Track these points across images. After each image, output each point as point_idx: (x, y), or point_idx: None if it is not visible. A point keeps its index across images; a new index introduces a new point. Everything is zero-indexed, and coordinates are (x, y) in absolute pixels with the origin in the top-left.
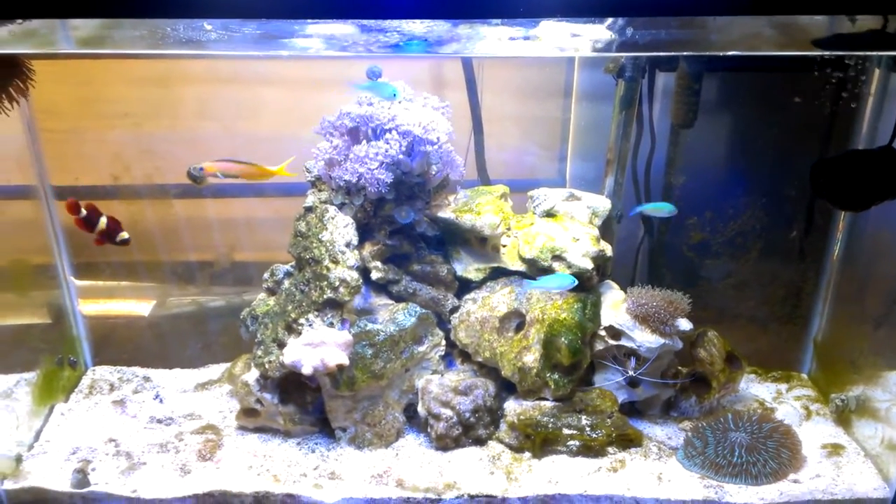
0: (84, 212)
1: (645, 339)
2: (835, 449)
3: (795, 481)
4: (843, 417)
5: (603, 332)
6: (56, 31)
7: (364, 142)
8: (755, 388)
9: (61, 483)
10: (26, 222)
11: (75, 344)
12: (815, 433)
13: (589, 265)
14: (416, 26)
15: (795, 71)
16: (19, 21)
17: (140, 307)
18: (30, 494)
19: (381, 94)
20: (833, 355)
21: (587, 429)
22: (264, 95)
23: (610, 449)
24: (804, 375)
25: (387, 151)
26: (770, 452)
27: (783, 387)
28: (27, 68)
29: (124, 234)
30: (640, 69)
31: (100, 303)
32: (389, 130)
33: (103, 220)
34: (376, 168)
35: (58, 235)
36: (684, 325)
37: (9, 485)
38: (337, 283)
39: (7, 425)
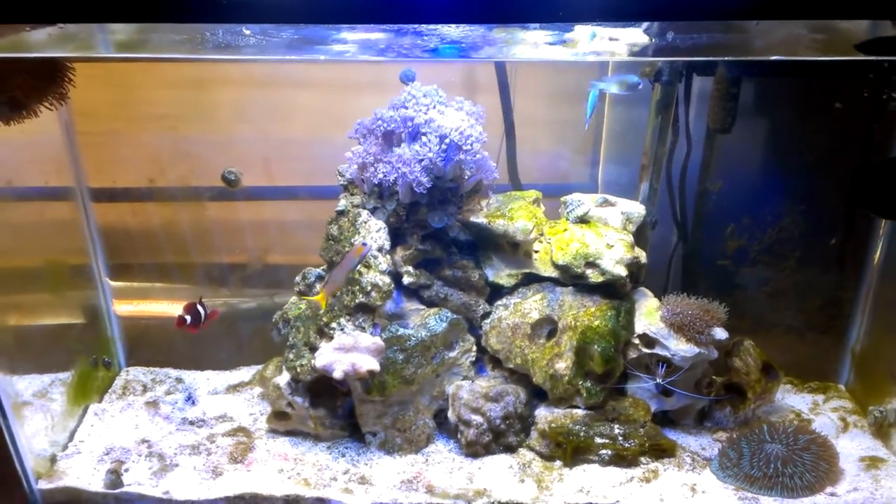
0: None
1: (679, 347)
2: (873, 462)
3: (833, 494)
4: (881, 430)
5: (636, 340)
6: (94, 35)
7: (403, 144)
8: (791, 399)
9: (95, 483)
10: (63, 223)
11: (109, 345)
12: (852, 446)
13: (623, 272)
14: (452, 30)
15: (837, 76)
16: (60, 25)
17: (173, 309)
18: (63, 494)
19: (629, 85)
20: (872, 366)
21: (619, 438)
22: (298, 99)
23: (643, 459)
24: (842, 387)
25: (426, 154)
26: (806, 465)
27: (820, 398)
28: (66, 71)
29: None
30: (678, 73)
31: (134, 304)
32: (426, 134)
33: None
34: (418, 170)
35: (94, 237)
36: (720, 334)
37: (43, 484)
38: (369, 288)
39: (42, 425)
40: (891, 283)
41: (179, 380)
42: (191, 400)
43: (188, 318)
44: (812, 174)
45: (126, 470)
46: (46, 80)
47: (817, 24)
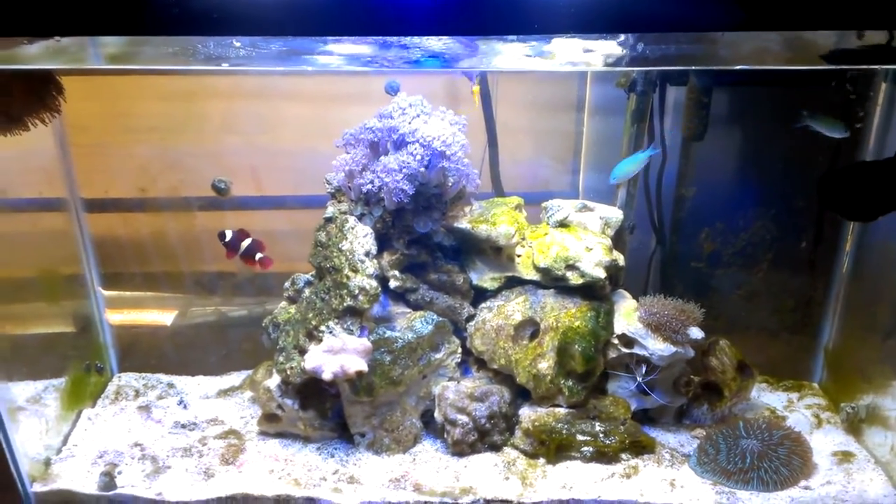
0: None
1: (657, 347)
2: (845, 456)
3: (806, 488)
4: (853, 426)
5: (616, 341)
6: (86, 49)
7: (389, 153)
8: (766, 397)
9: (88, 486)
10: (57, 234)
11: (102, 351)
12: (825, 441)
13: (602, 274)
14: (434, 42)
15: (804, 85)
16: (57, 38)
17: (164, 317)
18: (58, 497)
19: (836, 130)
20: (843, 365)
21: (601, 435)
22: (287, 110)
23: (623, 455)
24: (815, 385)
25: (409, 163)
26: (781, 459)
27: (794, 396)
28: (59, 85)
29: (259, 255)
30: (651, 83)
31: (126, 312)
32: (410, 143)
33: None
34: (400, 178)
35: (87, 247)
36: (696, 333)
37: (38, 487)
38: (356, 292)
39: (36, 430)
40: (860, 284)
41: (171, 385)
42: (182, 404)
43: (260, 254)
44: (782, 180)
45: (119, 472)
46: (40, 93)
47: (785, 35)
